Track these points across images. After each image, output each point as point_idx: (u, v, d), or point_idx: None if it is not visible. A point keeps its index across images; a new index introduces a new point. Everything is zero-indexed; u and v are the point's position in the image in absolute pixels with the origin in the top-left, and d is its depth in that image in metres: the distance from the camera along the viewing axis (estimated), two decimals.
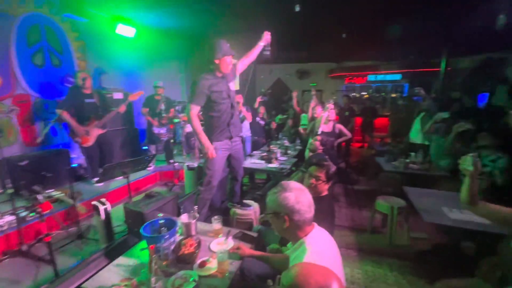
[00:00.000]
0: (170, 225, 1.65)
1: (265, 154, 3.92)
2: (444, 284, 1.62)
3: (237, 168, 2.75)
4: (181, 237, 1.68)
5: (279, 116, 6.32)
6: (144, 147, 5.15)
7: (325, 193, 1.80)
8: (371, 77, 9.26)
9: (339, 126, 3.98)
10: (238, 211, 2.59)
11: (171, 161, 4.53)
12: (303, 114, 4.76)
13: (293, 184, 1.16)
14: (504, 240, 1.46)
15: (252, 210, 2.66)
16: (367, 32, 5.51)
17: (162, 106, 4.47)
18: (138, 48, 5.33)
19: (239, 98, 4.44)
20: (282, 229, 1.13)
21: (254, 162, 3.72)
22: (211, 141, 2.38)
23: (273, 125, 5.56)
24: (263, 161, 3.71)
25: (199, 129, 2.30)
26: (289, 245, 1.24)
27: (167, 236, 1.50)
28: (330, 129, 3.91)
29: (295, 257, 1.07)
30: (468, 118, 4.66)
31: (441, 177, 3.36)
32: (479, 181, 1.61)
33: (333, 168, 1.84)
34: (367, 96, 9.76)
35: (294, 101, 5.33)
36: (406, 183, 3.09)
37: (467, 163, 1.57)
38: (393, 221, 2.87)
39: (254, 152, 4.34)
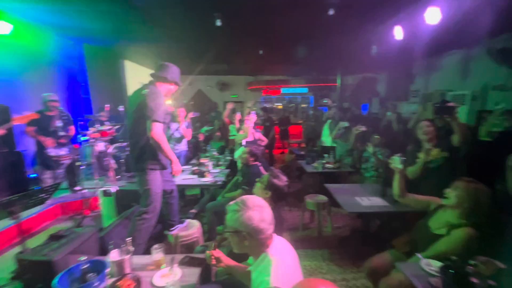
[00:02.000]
0: (98, 268, 1.33)
1: (196, 168, 3.75)
2: (369, 263, 1.96)
3: (173, 185, 2.63)
4: (114, 280, 1.38)
5: (205, 128, 6.20)
6: (32, 175, 4.00)
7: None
8: (284, 90, 10.40)
9: (258, 134, 4.30)
10: (182, 233, 2.35)
11: (77, 188, 3.70)
12: (232, 125, 4.84)
13: (254, 200, 1.13)
14: (420, 220, 1.86)
15: (196, 228, 2.47)
16: (279, 50, 6.18)
17: (58, 123, 3.63)
18: (18, 49, 4.18)
19: (181, 112, 4.19)
20: (243, 246, 1.10)
21: (185, 178, 3.49)
22: (150, 162, 2.23)
23: (201, 137, 5.40)
24: (195, 176, 3.53)
25: (168, 147, 2.21)
26: (249, 260, 1.21)
27: (96, 283, 1.20)
28: (252, 138, 4.16)
29: (260, 272, 1.05)
30: (357, 123, 5.95)
31: (348, 172, 4.08)
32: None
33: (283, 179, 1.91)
34: (281, 106, 10.87)
35: (226, 112, 5.37)
36: (324, 181, 3.58)
37: (396, 162, 1.96)
38: (320, 215, 3.27)
39: (183, 167, 4.09)
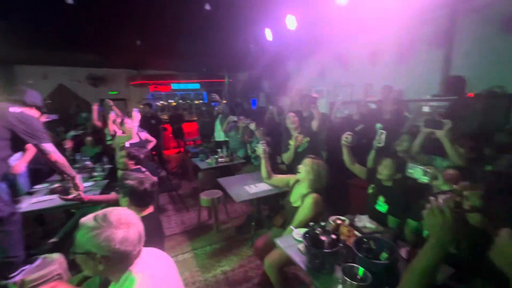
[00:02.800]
0: None
1: (57, 185, 2.93)
2: (260, 241, 2.13)
3: (10, 208, 1.98)
4: None
5: (72, 133, 4.98)
6: None
7: (149, 210, 1.66)
8: (175, 86, 9.82)
9: (144, 134, 3.89)
10: (32, 275, 1.73)
11: None
12: (107, 128, 4.08)
13: (120, 215, 0.93)
14: (285, 197, 2.16)
15: (56, 264, 1.89)
16: (161, 42, 5.72)
17: None
18: None
19: None
20: (98, 271, 0.90)
21: (39, 201, 2.66)
22: None
23: (68, 145, 4.28)
24: (55, 196, 2.75)
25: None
26: (111, 286, 1.01)
27: None
28: (138, 139, 3.72)
29: None
30: (248, 117, 6.44)
31: (240, 164, 4.32)
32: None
33: (153, 179, 1.73)
34: (174, 103, 10.26)
35: (94, 115, 4.44)
36: (220, 175, 3.64)
37: (259, 150, 2.22)
38: (216, 210, 3.29)
39: (36, 187, 3.11)
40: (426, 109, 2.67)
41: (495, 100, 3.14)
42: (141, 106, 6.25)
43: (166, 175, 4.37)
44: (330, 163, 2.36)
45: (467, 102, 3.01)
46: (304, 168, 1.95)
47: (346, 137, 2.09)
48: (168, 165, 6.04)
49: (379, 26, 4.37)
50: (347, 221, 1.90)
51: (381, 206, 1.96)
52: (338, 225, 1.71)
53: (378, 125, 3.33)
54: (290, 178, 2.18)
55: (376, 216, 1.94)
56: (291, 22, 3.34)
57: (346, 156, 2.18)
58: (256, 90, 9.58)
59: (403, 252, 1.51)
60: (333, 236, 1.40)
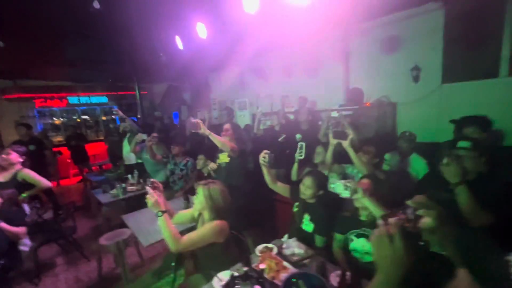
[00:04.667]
0: None
1: None
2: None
3: None
4: None
5: None
6: None
7: None
8: (73, 100, 8.07)
9: (27, 172, 2.83)
10: None
11: None
12: None
13: None
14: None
15: None
16: (42, 46, 4.52)
17: None
18: None
19: None
20: None
21: None
22: None
23: None
24: None
25: None
26: None
27: None
28: (8, 178, 2.69)
29: None
30: (168, 132, 5.77)
31: None
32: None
33: None
34: (78, 120, 8.43)
35: None
36: (132, 207, 2.97)
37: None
38: (123, 257, 2.60)
39: None
40: (334, 114, 2.85)
41: (383, 108, 3.69)
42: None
43: (53, 217, 3.31)
44: (258, 177, 2.16)
45: (365, 111, 3.40)
46: (197, 199, 1.66)
47: (264, 156, 1.90)
48: (60, 201, 4.71)
49: (289, 41, 4.63)
50: (275, 250, 1.70)
51: (307, 225, 1.85)
52: (264, 257, 1.47)
53: (298, 135, 3.41)
54: (194, 211, 1.83)
55: (303, 236, 1.82)
56: (201, 30, 3.08)
57: (266, 176, 2.00)
58: (178, 102, 8.91)
59: (333, 278, 1.38)
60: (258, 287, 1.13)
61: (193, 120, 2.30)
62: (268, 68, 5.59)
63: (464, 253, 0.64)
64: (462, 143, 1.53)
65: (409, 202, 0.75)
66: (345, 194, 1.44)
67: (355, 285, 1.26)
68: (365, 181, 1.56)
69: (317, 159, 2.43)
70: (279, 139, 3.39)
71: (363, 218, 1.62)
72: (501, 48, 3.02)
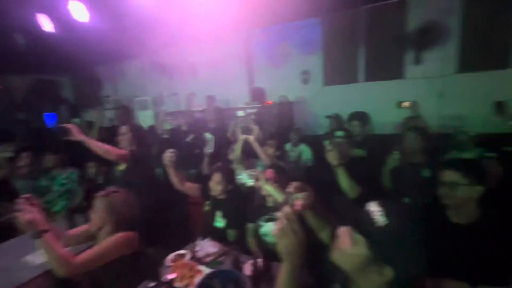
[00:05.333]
0: None
1: None
2: None
3: None
4: None
5: None
6: None
7: None
8: None
9: None
10: None
11: None
12: None
13: None
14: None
15: None
16: None
17: None
18: None
19: None
20: None
21: None
22: None
23: None
24: None
25: None
26: None
27: None
28: None
29: None
30: (39, 139, 4.44)
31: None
32: None
33: None
34: None
35: None
36: None
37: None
38: None
39: None
40: (240, 113, 2.97)
41: (283, 106, 4.16)
42: None
43: None
44: (167, 181, 1.97)
45: (268, 109, 3.73)
46: (95, 214, 1.39)
47: (170, 156, 1.76)
48: None
49: (193, 36, 4.49)
50: (188, 256, 1.60)
51: (220, 222, 1.84)
52: (176, 266, 1.35)
53: (207, 134, 3.36)
54: (92, 227, 1.50)
55: (217, 234, 1.79)
56: (78, 10, 2.51)
57: (173, 177, 1.86)
58: (54, 101, 7.07)
59: (247, 268, 1.43)
60: None
61: (63, 126, 1.86)
62: (172, 65, 5.24)
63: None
64: (338, 133, 1.89)
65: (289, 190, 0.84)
66: (250, 182, 1.51)
67: (267, 269, 1.35)
68: (269, 170, 1.69)
69: (233, 155, 2.46)
70: (187, 139, 3.24)
71: (270, 204, 1.75)
72: (358, 58, 3.97)
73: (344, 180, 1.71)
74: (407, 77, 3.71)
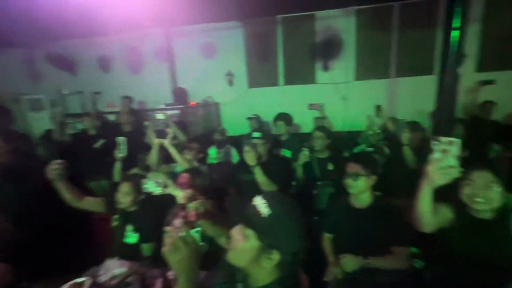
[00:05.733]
0: None
1: None
2: None
3: None
4: None
5: None
6: None
7: None
8: None
9: None
10: None
11: None
12: None
13: None
14: None
15: None
16: None
17: None
18: None
19: None
20: None
21: None
22: None
23: None
24: None
25: None
26: None
27: None
28: None
29: None
30: None
31: None
32: None
33: None
34: None
35: None
36: None
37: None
38: None
39: None
40: (160, 116, 2.75)
41: (208, 108, 4.08)
42: None
43: None
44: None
45: (192, 110, 3.59)
46: None
47: (55, 168, 1.45)
48: None
49: (105, 29, 3.92)
50: (87, 283, 1.35)
51: (131, 237, 1.64)
52: None
53: (121, 138, 2.97)
54: None
55: (128, 252, 1.59)
56: None
57: (64, 193, 1.54)
58: None
59: (157, 285, 1.31)
60: None
61: None
62: (75, 58, 4.45)
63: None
64: (255, 134, 1.96)
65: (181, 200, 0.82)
66: (157, 190, 1.40)
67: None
68: (184, 175, 1.61)
69: (149, 161, 2.24)
70: (96, 145, 2.80)
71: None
72: (277, 63, 4.26)
73: (261, 179, 1.78)
74: (318, 82, 4.20)
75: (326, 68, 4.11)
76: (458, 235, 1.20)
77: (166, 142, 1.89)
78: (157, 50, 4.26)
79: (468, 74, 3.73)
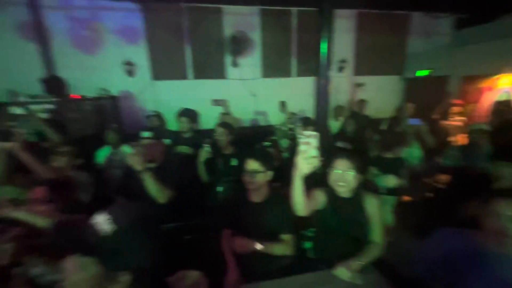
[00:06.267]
0: None
1: None
2: None
3: None
4: None
5: None
6: None
7: None
8: None
9: None
10: None
11: None
12: None
13: None
14: None
15: None
16: None
17: None
18: None
19: None
20: None
21: None
22: None
23: None
24: None
25: None
26: None
27: None
28: None
29: None
30: None
31: None
32: None
33: None
34: None
35: None
36: None
37: None
38: None
39: None
40: (18, 110, 2.10)
41: (101, 101, 3.43)
42: None
43: None
44: None
45: (74, 105, 2.93)
46: None
47: None
48: None
49: None
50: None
51: None
52: None
53: None
54: None
55: None
56: None
57: None
58: None
59: None
60: None
61: None
62: None
63: None
64: (145, 134, 1.72)
65: None
66: None
67: None
68: (38, 189, 1.25)
69: None
70: None
71: None
72: (185, 55, 4.00)
73: (150, 186, 1.57)
74: (228, 78, 4.20)
75: (235, 64, 4.15)
76: (328, 214, 1.38)
77: (14, 147, 1.42)
78: (24, 26, 3.26)
79: (348, 77, 4.55)
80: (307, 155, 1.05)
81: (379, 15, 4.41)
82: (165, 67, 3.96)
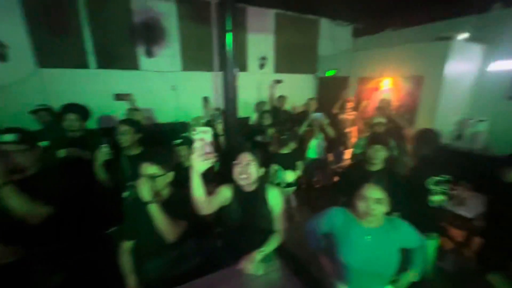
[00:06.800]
0: None
1: None
2: None
3: None
4: None
5: None
6: None
7: None
8: None
9: None
10: None
11: None
12: None
13: None
14: None
15: None
16: None
17: None
18: None
19: None
20: None
21: None
22: None
23: None
24: None
25: None
26: None
27: None
28: None
29: None
30: None
31: None
32: None
33: None
34: None
35: None
36: None
37: None
38: None
39: None
40: None
41: None
42: None
43: None
44: None
45: None
46: None
47: None
48: None
49: None
50: None
51: None
52: None
53: None
54: None
55: None
56: None
57: None
58: None
59: None
60: None
61: None
62: None
63: None
64: (6, 137, 1.34)
65: None
66: None
67: None
68: None
69: None
70: None
71: None
72: (83, 41, 3.37)
73: (14, 204, 1.23)
74: (142, 69, 3.78)
75: (149, 54, 3.75)
76: (234, 209, 1.37)
77: None
78: None
79: (268, 74, 4.76)
80: (201, 152, 1.03)
81: (295, 18, 4.75)
82: (54, 53, 3.24)
